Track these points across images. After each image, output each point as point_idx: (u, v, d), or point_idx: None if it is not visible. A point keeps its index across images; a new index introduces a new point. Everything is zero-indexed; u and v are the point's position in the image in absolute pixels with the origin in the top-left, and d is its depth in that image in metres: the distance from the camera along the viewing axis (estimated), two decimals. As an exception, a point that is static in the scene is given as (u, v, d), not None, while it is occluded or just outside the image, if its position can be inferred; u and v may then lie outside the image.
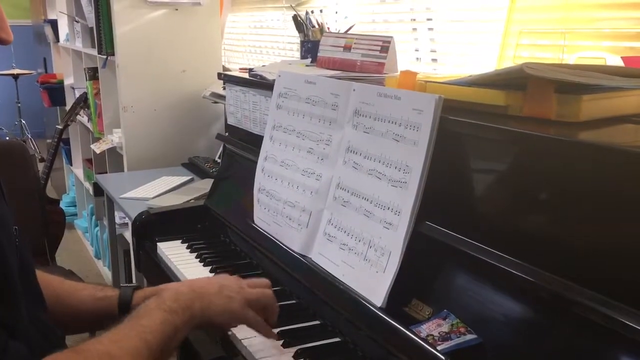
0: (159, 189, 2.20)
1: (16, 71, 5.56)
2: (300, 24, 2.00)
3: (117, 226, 2.64)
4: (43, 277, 1.05)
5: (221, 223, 1.60)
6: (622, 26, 1.25)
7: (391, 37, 1.56)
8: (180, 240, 1.58)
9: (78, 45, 3.42)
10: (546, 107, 0.91)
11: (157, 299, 0.91)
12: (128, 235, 2.65)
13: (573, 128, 0.88)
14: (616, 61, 1.17)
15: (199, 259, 1.46)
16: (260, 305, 1.02)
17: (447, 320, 0.94)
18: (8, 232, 0.85)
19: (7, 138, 5.89)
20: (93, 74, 3.05)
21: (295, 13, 2.03)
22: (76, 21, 3.37)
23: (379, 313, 1.01)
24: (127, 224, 2.65)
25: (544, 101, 0.91)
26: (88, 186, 3.61)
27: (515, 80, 0.95)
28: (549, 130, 0.89)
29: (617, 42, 1.25)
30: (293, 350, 1.04)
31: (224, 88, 1.87)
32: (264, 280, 1.08)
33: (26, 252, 0.92)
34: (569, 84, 0.90)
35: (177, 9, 2.62)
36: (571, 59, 1.29)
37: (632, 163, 0.76)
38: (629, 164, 0.76)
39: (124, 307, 1.09)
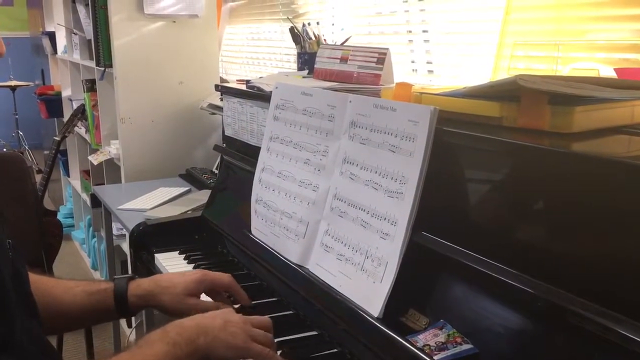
0: (156, 200, 2.20)
1: (14, 83, 5.58)
2: (297, 36, 2.01)
3: (114, 237, 2.64)
4: (37, 279, 1.05)
5: (219, 234, 1.60)
6: (615, 38, 1.26)
7: (387, 49, 1.57)
8: (178, 251, 1.58)
9: (76, 57, 3.44)
10: (540, 118, 0.92)
11: (161, 331, 0.91)
12: (125, 246, 2.65)
13: (566, 139, 0.89)
14: (609, 72, 1.18)
15: (196, 270, 1.46)
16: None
17: (443, 330, 0.94)
18: (1, 245, 0.86)
19: (5, 149, 5.89)
20: (91, 86, 3.06)
21: (292, 25, 2.05)
22: (74, 33, 3.39)
23: (376, 323, 1.02)
24: (124, 235, 2.65)
25: (538, 113, 0.92)
26: (85, 197, 3.61)
27: (509, 92, 0.96)
28: (543, 141, 0.90)
29: (610, 54, 1.27)
30: (290, 360, 1.04)
31: (222, 99, 1.88)
32: (267, 320, 1.05)
33: (20, 264, 0.91)
34: (562, 96, 0.91)
35: (174, 21, 2.64)
36: (565, 70, 1.30)
37: (624, 173, 0.77)
38: (621, 175, 0.77)
39: (120, 299, 1.09)
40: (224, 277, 1.16)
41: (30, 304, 0.93)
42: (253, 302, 1.23)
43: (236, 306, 1.17)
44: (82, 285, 1.11)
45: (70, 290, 1.09)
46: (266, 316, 1.05)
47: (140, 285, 1.12)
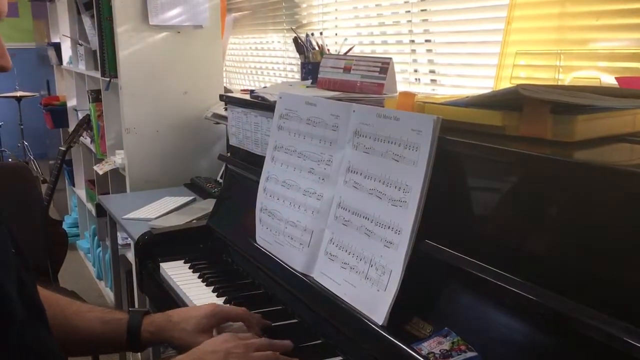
0: (161, 210, 2.21)
1: (19, 93, 5.61)
2: (300, 46, 2.03)
3: (119, 247, 2.65)
4: (50, 297, 1.05)
5: (223, 243, 1.61)
6: (616, 47, 1.27)
7: (390, 58, 1.59)
8: (183, 260, 1.59)
9: (81, 67, 3.46)
10: (542, 127, 0.93)
11: None
12: (130, 255, 2.65)
13: (568, 148, 0.90)
14: (610, 81, 1.19)
15: (201, 279, 1.47)
16: None
17: (447, 338, 0.94)
18: (3, 259, 0.85)
19: (10, 160, 5.92)
20: (96, 96, 3.08)
21: (295, 35, 2.06)
22: (79, 44, 3.41)
23: (381, 331, 1.02)
24: (129, 244, 2.66)
25: (540, 121, 0.93)
26: (90, 207, 3.62)
27: (511, 101, 0.97)
28: (545, 150, 0.90)
29: (611, 63, 1.28)
30: (295, 369, 1.05)
31: (226, 109, 1.89)
32: (270, 342, 1.05)
33: (25, 273, 0.91)
34: (564, 105, 0.92)
35: (179, 32, 2.66)
36: (567, 79, 1.31)
37: (626, 182, 0.77)
38: (623, 183, 0.78)
39: (133, 332, 1.09)
40: (237, 311, 1.15)
41: (38, 314, 0.93)
42: (258, 311, 1.23)
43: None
44: (96, 312, 1.11)
45: (84, 315, 1.09)
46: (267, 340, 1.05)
47: (154, 322, 1.11)
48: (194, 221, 2.01)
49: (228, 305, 1.18)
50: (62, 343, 1.04)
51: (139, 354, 2.65)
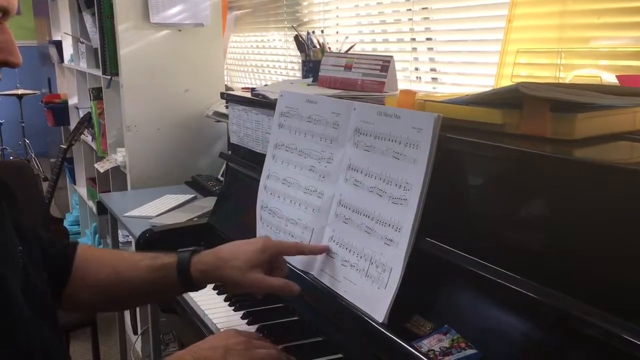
0: (162, 207, 2.22)
1: (20, 91, 5.62)
2: (301, 44, 2.03)
3: (120, 244, 2.66)
4: (102, 256, 1.08)
5: (224, 240, 1.60)
6: (617, 45, 1.27)
7: (391, 56, 1.59)
8: (184, 258, 1.59)
9: (82, 65, 3.47)
10: (542, 125, 0.93)
11: None
12: (131, 253, 2.66)
13: (568, 145, 0.90)
14: (611, 79, 1.19)
15: (202, 277, 1.47)
16: None
17: (447, 335, 0.95)
18: (8, 257, 0.85)
19: (11, 157, 5.93)
20: (97, 94, 3.09)
21: (296, 33, 2.06)
22: (81, 42, 3.42)
23: (381, 329, 1.02)
24: (130, 242, 2.66)
25: (540, 119, 0.93)
26: (92, 205, 3.63)
27: (512, 99, 0.97)
28: (545, 147, 0.91)
29: (612, 61, 1.28)
30: (296, 366, 1.05)
31: (227, 107, 1.90)
32: (272, 346, 1.04)
33: (33, 270, 0.91)
34: (564, 103, 0.92)
35: (180, 30, 2.66)
36: (568, 77, 1.31)
37: (626, 180, 0.77)
38: (623, 181, 0.78)
39: (184, 274, 1.06)
40: (288, 244, 1.17)
41: (43, 312, 0.92)
42: (258, 309, 1.24)
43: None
44: (146, 259, 1.10)
45: (134, 266, 1.08)
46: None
47: (202, 260, 1.08)
48: (195, 219, 2.01)
49: (278, 241, 1.18)
50: (121, 299, 1.09)
51: (140, 351, 2.66)
